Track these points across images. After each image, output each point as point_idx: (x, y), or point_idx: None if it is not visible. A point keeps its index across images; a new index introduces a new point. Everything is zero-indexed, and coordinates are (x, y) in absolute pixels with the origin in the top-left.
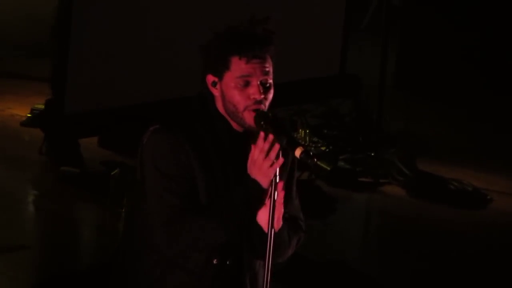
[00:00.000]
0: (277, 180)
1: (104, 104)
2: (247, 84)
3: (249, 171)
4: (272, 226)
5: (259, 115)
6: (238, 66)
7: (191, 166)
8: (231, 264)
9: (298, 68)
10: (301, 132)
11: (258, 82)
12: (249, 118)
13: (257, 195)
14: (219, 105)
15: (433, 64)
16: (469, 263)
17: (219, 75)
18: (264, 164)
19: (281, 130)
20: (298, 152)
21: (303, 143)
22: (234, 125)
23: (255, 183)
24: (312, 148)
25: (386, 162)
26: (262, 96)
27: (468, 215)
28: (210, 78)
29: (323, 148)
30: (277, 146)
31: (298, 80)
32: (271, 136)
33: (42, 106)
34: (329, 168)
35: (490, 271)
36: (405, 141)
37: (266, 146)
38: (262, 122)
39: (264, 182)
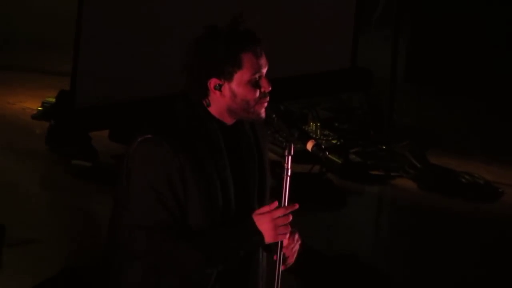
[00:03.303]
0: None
1: (115, 97)
2: (260, 78)
3: (259, 221)
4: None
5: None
6: (251, 63)
7: (183, 176)
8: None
9: (309, 61)
10: (312, 125)
11: (264, 75)
12: (259, 109)
13: (254, 244)
14: (216, 106)
15: (444, 57)
16: (480, 256)
17: (229, 76)
18: (281, 229)
19: (292, 123)
20: (309, 145)
21: (314, 136)
22: (226, 120)
23: (260, 235)
24: (323, 141)
25: (397, 155)
26: (270, 88)
27: (480, 208)
28: (214, 82)
29: (334, 141)
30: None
31: (309, 74)
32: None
33: (53, 100)
34: (340, 161)
35: (502, 263)
36: (416, 134)
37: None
38: (274, 116)
39: (268, 240)
